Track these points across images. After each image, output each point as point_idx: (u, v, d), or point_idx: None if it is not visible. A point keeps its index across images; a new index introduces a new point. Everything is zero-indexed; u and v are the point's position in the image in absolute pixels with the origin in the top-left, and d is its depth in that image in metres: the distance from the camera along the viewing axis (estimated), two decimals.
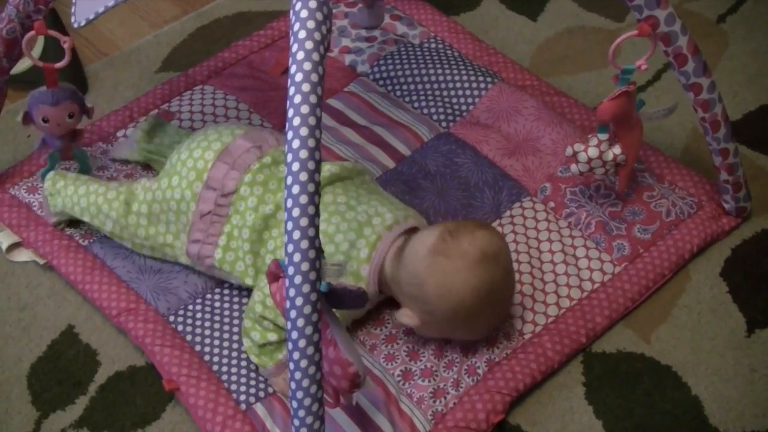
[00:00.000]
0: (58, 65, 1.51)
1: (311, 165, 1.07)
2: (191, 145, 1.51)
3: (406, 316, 1.41)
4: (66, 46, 1.49)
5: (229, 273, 1.48)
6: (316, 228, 1.08)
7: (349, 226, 1.44)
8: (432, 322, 1.40)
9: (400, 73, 1.86)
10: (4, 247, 1.62)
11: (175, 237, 1.51)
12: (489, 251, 1.36)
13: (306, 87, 1.08)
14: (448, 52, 1.90)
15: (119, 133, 1.78)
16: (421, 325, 1.41)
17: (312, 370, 1.10)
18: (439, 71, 1.84)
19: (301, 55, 1.09)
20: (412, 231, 1.46)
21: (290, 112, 1.08)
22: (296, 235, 1.07)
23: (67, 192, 1.57)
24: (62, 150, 1.62)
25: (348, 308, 1.23)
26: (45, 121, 1.56)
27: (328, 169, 1.51)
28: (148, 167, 1.72)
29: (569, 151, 1.53)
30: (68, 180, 1.58)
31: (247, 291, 1.52)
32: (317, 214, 1.08)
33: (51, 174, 1.60)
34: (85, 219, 1.57)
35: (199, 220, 1.48)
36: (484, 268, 1.35)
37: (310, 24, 1.09)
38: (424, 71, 1.84)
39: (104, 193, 1.55)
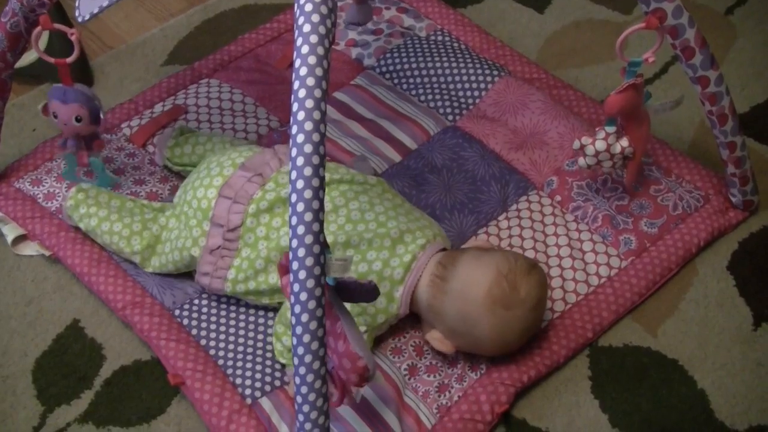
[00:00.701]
0: (70, 60, 1.50)
1: (315, 159, 1.06)
2: (195, 183, 1.50)
3: (438, 341, 1.41)
4: (74, 38, 1.48)
5: (244, 295, 1.48)
6: (321, 223, 1.07)
7: (382, 244, 1.43)
8: (466, 348, 1.42)
9: (406, 66, 1.85)
10: (10, 239, 1.62)
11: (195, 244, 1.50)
12: (542, 295, 1.40)
13: (311, 81, 1.07)
14: (455, 45, 1.89)
15: (123, 125, 1.78)
16: (451, 352, 1.43)
17: (316, 365, 1.10)
18: (446, 64, 1.83)
19: (305, 49, 1.08)
20: (441, 251, 1.45)
21: (294, 107, 1.07)
22: (300, 230, 1.06)
23: (89, 222, 1.55)
24: (78, 154, 1.61)
25: (358, 302, 1.23)
26: (55, 116, 1.56)
27: (335, 167, 1.52)
28: (165, 179, 1.70)
29: (577, 144, 1.52)
30: (91, 209, 1.55)
31: None
32: (321, 208, 1.07)
33: (74, 193, 1.57)
34: (107, 249, 1.57)
35: (209, 254, 1.47)
36: (534, 314, 1.39)
37: (315, 18, 1.09)
38: (430, 64, 1.84)
39: (128, 237, 1.53)
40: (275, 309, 1.50)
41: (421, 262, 1.42)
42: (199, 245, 1.47)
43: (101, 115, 1.57)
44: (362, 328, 1.40)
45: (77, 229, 1.60)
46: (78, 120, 1.55)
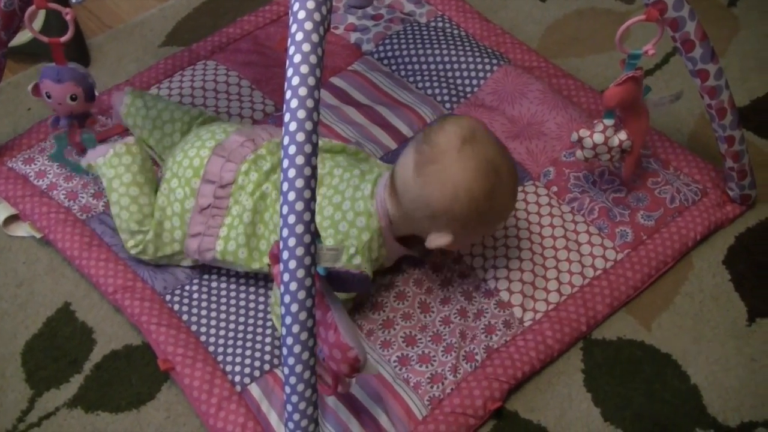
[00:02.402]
0: (64, 39, 1.49)
1: (308, 148, 1.06)
2: (185, 147, 1.51)
3: (436, 239, 1.41)
4: (68, 18, 1.47)
5: (233, 263, 1.48)
6: (312, 212, 1.06)
7: (352, 174, 1.46)
8: (461, 228, 1.39)
9: (405, 52, 1.84)
10: (1, 219, 1.61)
11: (181, 244, 1.50)
12: (465, 133, 1.36)
13: (304, 68, 1.06)
14: (455, 32, 1.88)
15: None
16: (455, 239, 1.40)
17: (306, 355, 1.09)
18: (445, 52, 1.82)
19: (299, 36, 1.07)
20: None
21: (288, 94, 1.06)
22: (291, 219, 1.06)
23: (123, 175, 1.51)
24: (69, 132, 1.60)
25: (350, 291, 1.23)
26: (48, 96, 1.54)
27: (328, 141, 1.55)
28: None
29: (575, 136, 1.51)
30: (133, 165, 1.52)
31: (246, 274, 1.52)
32: (313, 198, 1.07)
33: (130, 142, 1.52)
34: (112, 210, 1.53)
35: (199, 214, 1.47)
36: (471, 150, 1.35)
37: (310, 4, 1.08)
38: (429, 51, 1.83)
39: (140, 219, 1.50)
40: (262, 292, 1.49)
41: (385, 177, 1.44)
42: (189, 207, 1.47)
43: (96, 93, 1.56)
44: (352, 250, 1.41)
45: (69, 210, 1.59)
46: (73, 99, 1.54)
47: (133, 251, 1.51)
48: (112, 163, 1.52)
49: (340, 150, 1.54)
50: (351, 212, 1.42)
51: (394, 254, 1.49)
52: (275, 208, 1.44)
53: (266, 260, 1.46)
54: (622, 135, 1.50)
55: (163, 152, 1.63)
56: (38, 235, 1.59)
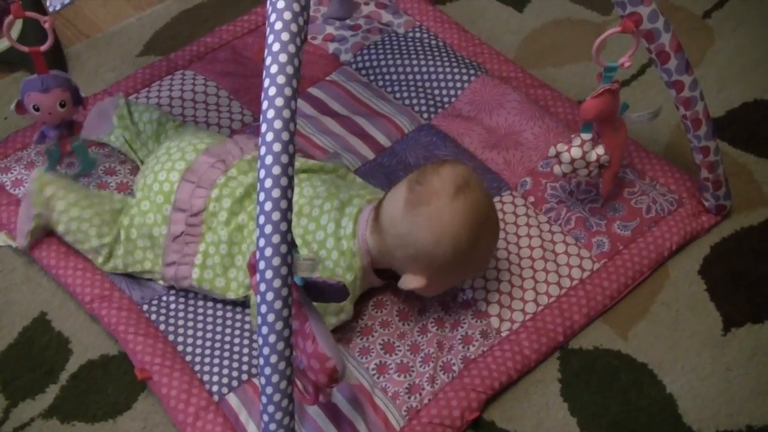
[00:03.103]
0: (44, 47, 1.47)
1: (284, 159, 1.06)
2: (155, 167, 1.50)
3: (411, 281, 1.40)
4: (47, 26, 1.46)
5: (210, 290, 1.47)
6: (289, 222, 1.06)
7: (332, 206, 1.44)
8: (437, 274, 1.39)
9: (383, 63, 1.84)
10: None
11: (153, 263, 1.50)
12: (460, 181, 1.36)
13: (281, 79, 1.06)
14: (433, 42, 1.89)
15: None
16: (429, 284, 1.40)
17: (282, 365, 1.09)
18: (423, 62, 1.82)
19: (276, 47, 1.07)
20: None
21: (264, 104, 1.06)
22: (268, 229, 1.06)
23: (55, 206, 1.51)
24: (60, 143, 1.58)
25: (328, 301, 1.23)
26: (36, 109, 1.52)
27: (304, 161, 1.53)
28: (136, 169, 1.66)
29: (552, 151, 1.51)
30: (59, 191, 1.52)
31: None
32: (290, 208, 1.07)
33: (40, 174, 1.52)
34: (66, 239, 1.53)
35: (172, 242, 1.47)
36: (464, 198, 1.35)
37: (287, 15, 1.08)
38: (407, 62, 1.83)
39: (98, 225, 1.50)
40: (242, 304, 1.49)
41: (365, 213, 1.43)
42: (162, 234, 1.47)
43: (82, 94, 1.55)
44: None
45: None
46: (62, 105, 1.52)
47: (105, 268, 1.51)
48: (38, 202, 1.51)
49: (318, 169, 1.54)
50: (335, 251, 1.41)
51: (371, 285, 1.49)
52: (252, 239, 1.44)
53: (241, 292, 1.46)
54: (600, 150, 1.50)
55: (144, 157, 1.62)
56: (14, 245, 1.58)
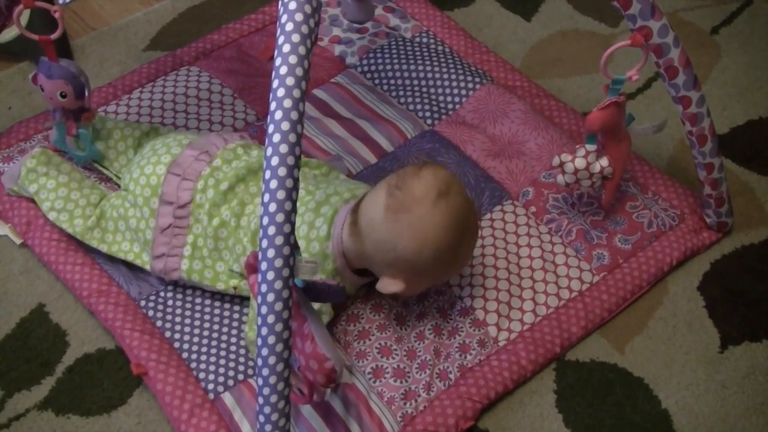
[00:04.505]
0: (54, 36, 1.48)
1: (290, 160, 1.06)
2: (141, 163, 1.50)
3: (389, 285, 1.39)
4: (57, 15, 1.47)
5: (199, 282, 1.48)
6: (292, 224, 1.06)
7: (306, 208, 1.43)
8: (416, 277, 1.38)
9: (389, 67, 1.84)
10: None
11: (137, 256, 1.51)
12: (442, 186, 1.34)
13: (290, 81, 1.06)
14: (439, 48, 1.89)
15: (100, 109, 1.76)
16: (407, 287, 1.39)
17: (280, 367, 1.09)
18: (428, 68, 1.82)
19: (287, 48, 1.07)
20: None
21: (273, 105, 1.06)
22: (271, 230, 1.06)
23: (46, 184, 1.55)
24: (66, 126, 1.59)
25: (327, 302, 1.23)
26: (42, 89, 1.55)
27: None
28: None
29: (556, 161, 1.51)
30: (51, 171, 1.56)
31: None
32: (294, 210, 1.07)
33: (37, 153, 1.56)
34: (49, 216, 1.55)
35: (161, 234, 1.47)
36: (445, 204, 1.34)
37: (298, 17, 1.08)
38: (413, 67, 1.83)
39: (84, 206, 1.53)
40: (239, 303, 1.49)
41: (342, 214, 1.42)
42: (149, 227, 1.47)
43: (86, 92, 1.56)
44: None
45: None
46: (62, 96, 1.54)
47: (87, 241, 1.53)
48: (29, 178, 1.54)
49: (302, 165, 1.53)
50: (306, 253, 1.41)
51: (354, 285, 1.48)
52: (236, 236, 1.44)
53: (232, 282, 1.46)
54: (604, 161, 1.50)
55: (119, 171, 1.62)
56: (18, 242, 1.58)
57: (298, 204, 1.42)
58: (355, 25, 1.92)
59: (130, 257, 1.51)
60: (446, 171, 1.38)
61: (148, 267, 1.50)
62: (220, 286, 1.46)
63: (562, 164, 1.51)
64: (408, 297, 1.48)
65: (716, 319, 1.54)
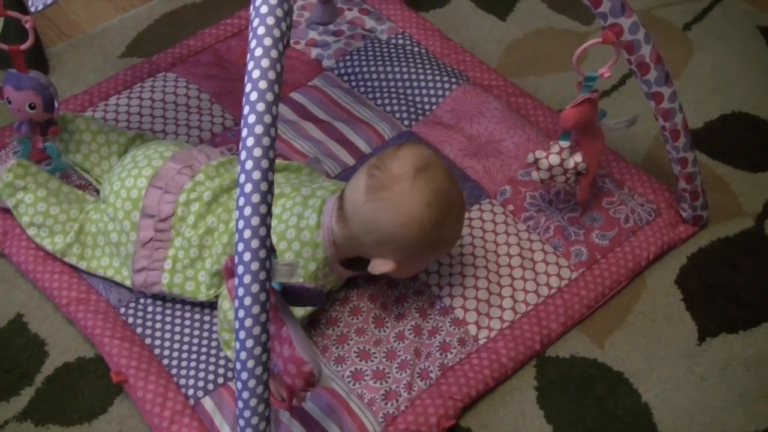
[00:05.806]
0: (24, 46, 1.48)
1: (265, 164, 1.06)
2: (122, 175, 1.50)
3: (380, 265, 1.40)
4: (28, 26, 1.47)
5: (180, 294, 1.48)
6: (268, 227, 1.07)
7: (294, 201, 1.44)
8: (405, 256, 1.39)
9: (365, 69, 1.85)
10: None
11: (116, 272, 1.50)
12: (420, 162, 1.36)
13: (263, 84, 1.06)
14: (416, 49, 1.89)
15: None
16: (398, 266, 1.40)
17: (259, 370, 1.09)
18: (404, 69, 1.83)
19: (259, 52, 1.07)
20: None
21: (246, 109, 1.06)
22: (247, 233, 1.06)
23: (23, 198, 1.53)
24: (33, 138, 1.58)
25: (305, 306, 1.23)
26: (9, 101, 1.54)
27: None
28: None
29: (531, 157, 1.52)
30: (29, 185, 1.53)
31: None
32: (269, 213, 1.07)
33: (13, 166, 1.53)
34: (29, 232, 1.54)
35: (142, 248, 1.47)
36: (425, 179, 1.35)
37: (270, 20, 1.08)
38: (389, 68, 1.83)
39: (63, 222, 1.52)
40: (216, 305, 1.49)
41: (330, 203, 1.43)
42: (130, 240, 1.47)
43: (56, 104, 1.55)
44: (300, 280, 1.40)
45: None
46: (31, 107, 1.53)
47: (67, 258, 1.52)
48: (7, 192, 1.53)
49: (282, 169, 1.54)
50: (297, 242, 1.41)
51: (342, 278, 1.49)
52: (222, 242, 1.44)
53: (212, 292, 1.46)
54: (578, 157, 1.51)
55: (100, 176, 1.62)
56: None
57: (285, 201, 1.44)
58: (331, 27, 1.92)
59: (110, 273, 1.50)
60: (425, 148, 1.40)
61: (128, 282, 1.50)
62: (202, 298, 1.46)
63: (536, 161, 1.52)
64: (402, 278, 1.49)
65: (694, 311, 1.55)
